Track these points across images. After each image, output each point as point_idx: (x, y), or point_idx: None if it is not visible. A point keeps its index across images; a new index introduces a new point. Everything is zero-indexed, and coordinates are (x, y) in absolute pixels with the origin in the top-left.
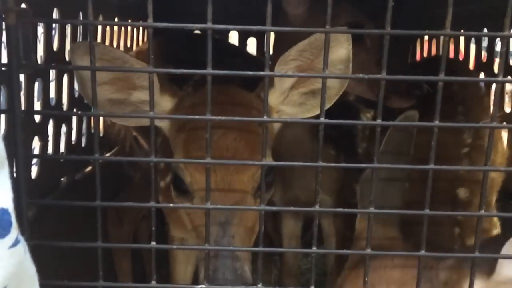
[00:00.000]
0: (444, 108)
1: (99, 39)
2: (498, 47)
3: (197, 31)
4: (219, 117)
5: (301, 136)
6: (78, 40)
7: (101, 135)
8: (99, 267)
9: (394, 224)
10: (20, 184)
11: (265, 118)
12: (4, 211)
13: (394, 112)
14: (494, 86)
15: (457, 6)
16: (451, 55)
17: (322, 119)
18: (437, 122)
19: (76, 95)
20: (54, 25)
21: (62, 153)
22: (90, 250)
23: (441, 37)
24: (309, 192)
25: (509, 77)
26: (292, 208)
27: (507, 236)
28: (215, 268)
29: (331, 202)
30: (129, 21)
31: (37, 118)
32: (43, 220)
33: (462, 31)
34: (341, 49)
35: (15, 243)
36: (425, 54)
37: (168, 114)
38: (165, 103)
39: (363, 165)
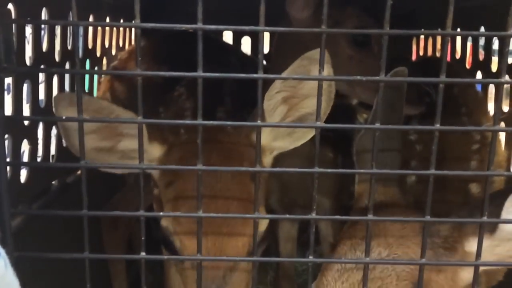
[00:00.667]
0: (448, 110)
1: (90, 39)
2: (495, 46)
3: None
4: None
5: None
6: (68, 42)
7: None
8: (87, 279)
9: (393, 184)
10: (2, 193)
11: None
12: None
13: None
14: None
15: (456, 4)
16: (448, 54)
17: (318, 123)
18: (438, 126)
19: None
20: (42, 25)
21: (53, 155)
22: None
23: (438, 36)
24: (306, 195)
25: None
26: (287, 216)
27: None
28: None
29: (329, 204)
30: (121, 20)
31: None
32: (32, 226)
33: (458, 29)
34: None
35: None
36: (421, 53)
37: (158, 162)
38: (155, 151)
39: (361, 170)
